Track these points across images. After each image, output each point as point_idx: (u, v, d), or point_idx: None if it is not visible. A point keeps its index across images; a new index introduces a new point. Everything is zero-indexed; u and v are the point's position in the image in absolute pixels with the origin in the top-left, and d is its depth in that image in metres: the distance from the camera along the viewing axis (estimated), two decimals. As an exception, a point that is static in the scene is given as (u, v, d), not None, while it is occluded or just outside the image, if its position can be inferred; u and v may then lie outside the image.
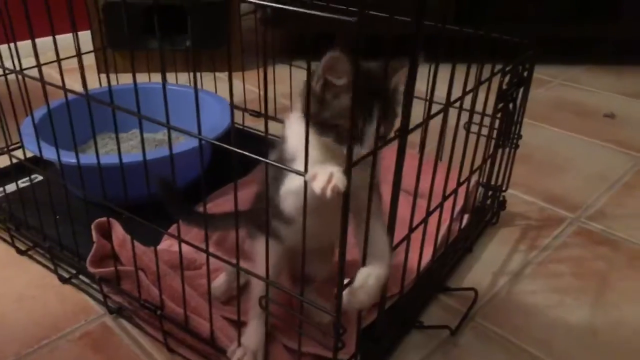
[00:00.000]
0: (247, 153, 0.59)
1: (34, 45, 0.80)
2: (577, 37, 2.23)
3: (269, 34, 1.40)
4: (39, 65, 0.83)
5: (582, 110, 1.75)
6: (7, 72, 0.91)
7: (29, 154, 1.06)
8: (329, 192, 0.54)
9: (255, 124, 1.49)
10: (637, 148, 1.52)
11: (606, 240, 1.14)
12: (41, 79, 0.81)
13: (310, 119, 0.60)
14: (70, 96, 0.79)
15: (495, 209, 1.16)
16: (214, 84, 1.47)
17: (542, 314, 0.94)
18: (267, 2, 0.56)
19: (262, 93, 0.57)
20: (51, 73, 0.90)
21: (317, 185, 0.55)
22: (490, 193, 1.12)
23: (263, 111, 0.58)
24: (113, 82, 1.46)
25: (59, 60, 0.77)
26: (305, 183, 0.57)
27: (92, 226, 0.92)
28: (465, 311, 0.92)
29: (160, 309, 0.81)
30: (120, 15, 1.66)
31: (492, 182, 1.11)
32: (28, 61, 0.87)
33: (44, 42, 0.84)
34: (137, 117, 0.68)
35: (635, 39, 2.29)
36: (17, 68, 0.87)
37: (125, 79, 0.92)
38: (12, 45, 0.87)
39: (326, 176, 0.54)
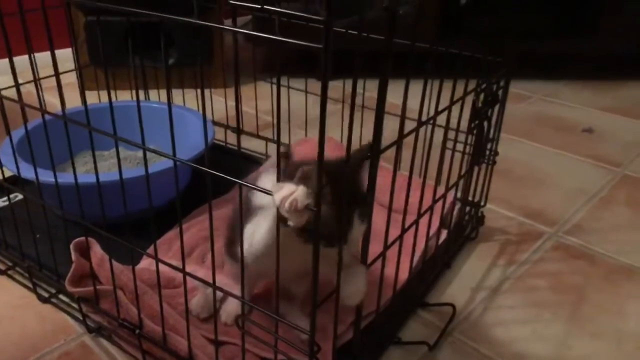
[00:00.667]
0: (219, 174, 0.60)
1: (12, 66, 0.80)
2: (557, 53, 2.28)
3: (250, 52, 1.42)
4: (17, 85, 0.83)
5: (561, 125, 1.78)
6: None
7: (8, 174, 1.06)
8: (287, 205, 0.55)
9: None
10: (614, 162, 1.55)
11: (583, 254, 1.16)
12: (19, 100, 0.81)
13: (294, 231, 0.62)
14: (49, 116, 0.79)
15: (474, 225, 1.17)
16: (196, 101, 1.48)
17: (519, 328, 0.95)
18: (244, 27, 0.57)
19: (238, 108, 0.58)
20: (32, 90, 0.90)
21: (278, 196, 0.56)
22: (468, 209, 1.14)
23: (246, 127, 0.59)
24: (95, 100, 1.47)
25: (35, 81, 0.78)
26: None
27: (71, 246, 0.92)
28: (443, 326, 0.93)
29: (138, 327, 0.81)
30: (102, 33, 1.67)
31: (470, 198, 1.12)
32: (8, 79, 0.88)
33: (27, 60, 0.85)
34: (113, 138, 0.69)
35: (614, 55, 2.35)
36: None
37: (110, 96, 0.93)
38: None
39: (290, 190, 0.55)
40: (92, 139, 0.73)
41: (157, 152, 0.65)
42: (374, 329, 0.85)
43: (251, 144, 1.46)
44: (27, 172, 0.95)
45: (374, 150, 0.62)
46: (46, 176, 0.90)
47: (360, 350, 0.78)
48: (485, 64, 0.93)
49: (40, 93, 0.81)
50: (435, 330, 0.93)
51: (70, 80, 1.20)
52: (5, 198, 1.06)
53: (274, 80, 1.43)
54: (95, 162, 0.76)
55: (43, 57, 0.78)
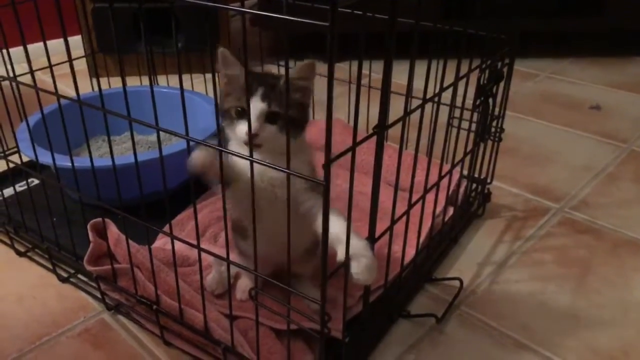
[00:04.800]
0: (231, 151, 0.62)
1: (27, 52, 0.82)
2: (564, 31, 2.26)
3: (258, 35, 1.43)
4: (31, 72, 0.85)
5: (568, 103, 1.79)
6: (0, 79, 0.93)
7: (26, 158, 1.09)
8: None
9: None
10: (621, 139, 1.55)
11: (589, 229, 1.17)
12: (35, 85, 0.84)
13: (224, 115, 0.74)
14: (63, 101, 0.82)
15: (481, 201, 1.19)
16: (204, 85, 1.50)
17: (525, 301, 0.97)
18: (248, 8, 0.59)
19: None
20: (44, 78, 0.92)
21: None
22: (474, 186, 1.15)
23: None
24: (105, 86, 1.49)
25: (50, 67, 0.80)
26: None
27: (88, 226, 0.95)
28: (450, 300, 0.95)
29: (156, 303, 0.84)
30: (109, 20, 1.69)
31: (477, 175, 1.14)
32: (22, 67, 0.90)
33: (35, 48, 0.87)
34: (128, 120, 0.71)
35: (621, 32, 2.33)
36: (11, 75, 0.89)
37: (118, 82, 0.96)
38: (4, 51, 0.90)
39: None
40: (106, 122, 0.75)
41: (170, 132, 0.67)
42: (383, 303, 0.88)
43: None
44: (45, 157, 0.98)
45: (380, 125, 0.64)
46: (63, 161, 0.93)
47: (369, 322, 0.81)
48: (490, 42, 0.94)
49: (54, 79, 0.84)
50: (442, 304, 0.95)
51: (79, 67, 1.22)
52: (24, 183, 1.10)
53: (281, 63, 1.44)
54: (110, 145, 0.78)
55: (51, 46, 0.80)
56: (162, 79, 1.57)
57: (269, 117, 0.72)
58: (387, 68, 0.61)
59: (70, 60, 0.79)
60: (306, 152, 0.77)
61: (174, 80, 1.55)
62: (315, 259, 0.88)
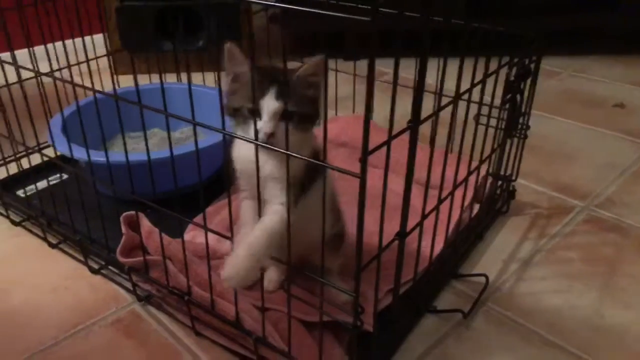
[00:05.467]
0: (259, 143, 0.63)
1: (65, 49, 0.85)
2: (586, 28, 2.24)
3: (278, 32, 1.45)
4: (69, 67, 0.88)
5: (591, 101, 1.77)
6: (39, 74, 0.96)
7: (59, 152, 1.11)
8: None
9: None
10: (646, 137, 1.54)
11: (615, 227, 1.17)
12: (72, 81, 0.86)
13: (231, 114, 0.74)
14: (87, 98, 0.83)
15: (506, 198, 1.19)
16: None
17: (551, 298, 0.98)
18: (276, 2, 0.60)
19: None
20: (67, 76, 0.95)
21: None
22: (500, 183, 1.15)
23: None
24: (129, 83, 1.52)
25: (87, 62, 0.82)
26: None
27: (121, 219, 0.97)
28: (476, 296, 0.96)
29: (187, 294, 0.86)
30: (132, 18, 1.71)
31: (502, 172, 1.14)
32: (44, 65, 0.92)
33: (58, 46, 0.88)
34: (165, 114, 0.72)
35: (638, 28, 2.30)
36: (47, 70, 0.92)
37: (140, 80, 0.96)
38: (35, 49, 0.92)
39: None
40: (142, 116, 0.77)
41: (207, 127, 0.69)
42: (411, 296, 0.89)
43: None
44: (78, 152, 1.00)
45: (412, 122, 0.65)
46: (98, 156, 0.95)
47: (398, 316, 0.82)
48: (518, 39, 0.94)
49: (90, 74, 0.86)
50: (468, 300, 0.96)
51: (102, 65, 1.23)
52: (57, 176, 1.12)
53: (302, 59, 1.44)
54: (146, 139, 0.80)
55: (71, 44, 0.82)
56: (183, 77, 1.59)
57: (283, 116, 0.71)
58: (422, 65, 0.62)
59: (108, 54, 0.81)
60: (311, 146, 0.77)
61: (196, 78, 1.56)
62: (340, 256, 0.89)
